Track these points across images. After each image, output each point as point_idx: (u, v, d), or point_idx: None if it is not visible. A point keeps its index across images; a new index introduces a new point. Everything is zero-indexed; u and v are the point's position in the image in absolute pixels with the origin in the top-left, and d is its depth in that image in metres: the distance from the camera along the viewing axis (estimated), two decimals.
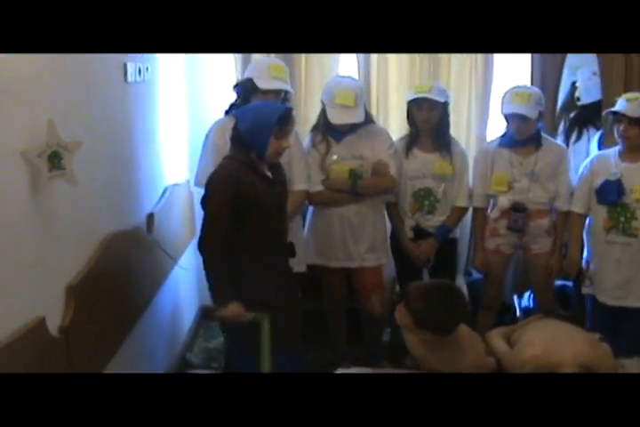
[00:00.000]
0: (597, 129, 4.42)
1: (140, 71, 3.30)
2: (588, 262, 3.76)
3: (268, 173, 2.94)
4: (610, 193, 3.54)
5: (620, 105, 3.46)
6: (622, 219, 3.53)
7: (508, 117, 3.70)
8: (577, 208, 3.73)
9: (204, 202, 2.84)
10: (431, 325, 2.80)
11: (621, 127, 3.47)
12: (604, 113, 3.61)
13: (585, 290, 3.78)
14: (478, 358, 2.96)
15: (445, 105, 3.74)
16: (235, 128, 2.86)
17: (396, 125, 4.43)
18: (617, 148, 3.60)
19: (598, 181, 3.59)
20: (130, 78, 3.19)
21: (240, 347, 3.07)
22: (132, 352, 3.24)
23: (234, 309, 2.81)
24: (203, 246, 2.84)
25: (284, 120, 2.81)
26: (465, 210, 3.95)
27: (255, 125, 2.77)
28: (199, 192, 3.23)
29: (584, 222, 3.74)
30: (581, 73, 4.41)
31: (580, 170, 3.74)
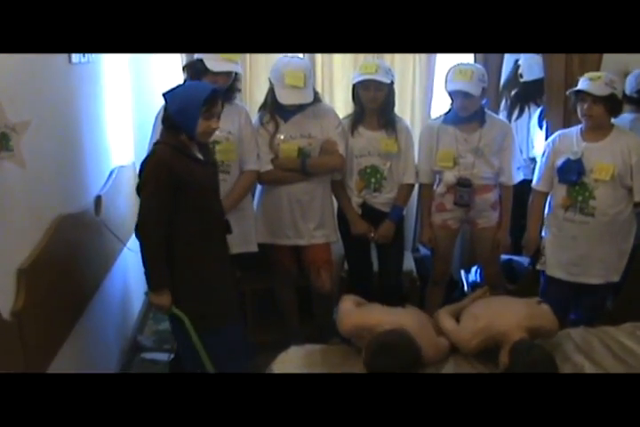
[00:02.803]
0: (538, 106, 4.50)
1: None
2: (544, 239, 3.81)
3: (199, 155, 2.95)
4: (570, 172, 3.57)
5: (583, 84, 3.46)
6: (580, 198, 3.57)
7: (451, 95, 3.72)
8: (541, 186, 3.76)
9: (139, 189, 2.84)
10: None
11: (585, 106, 3.47)
12: (567, 92, 3.60)
13: (540, 266, 3.84)
14: (435, 350, 3.00)
15: (391, 85, 3.74)
16: (165, 110, 2.86)
17: (341, 103, 4.46)
18: (579, 126, 3.62)
19: (560, 160, 3.62)
20: (74, 59, 3.14)
21: (181, 329, 3.09)
22: (84, 335, 3.23)
23: (162, 300, 2.89)
24: (140, 233, 2.85)
25: (212, 101, 2.80)
26: (413, 186, 3.99)
27: (183, 106, 2.77)
28: None
29: (546, 200, 3.78)
30: None
31: (543, 148, 3.78)
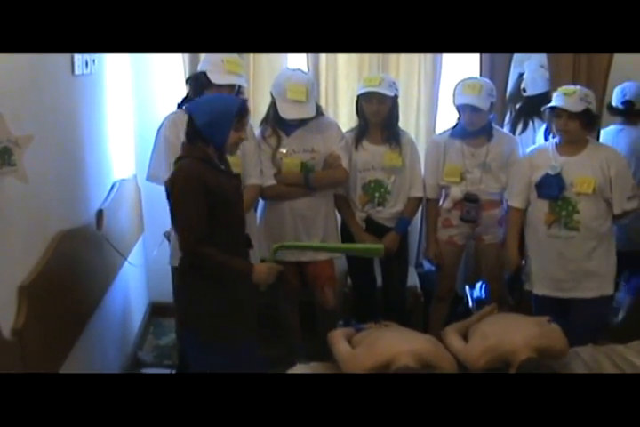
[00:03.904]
0: (543, 120, 4.46)
1: (87, 64, 3.22)
2: (528, 258, 3.73)
3: (223, 167, 2.91)
4: (551, 188, 3.51)
5: (558, 100, 3.44)
6: (564, 213, 3.51)
7: (459, 109, 3.69)
8: (516, 203, 3.68)
9: (175, 208, 2.75)
10: None
11: (561, 122, 3.45)
12: (542, 108, 3.61)
13: (527, 286, 3.77)
14: (452, 366, 2.91)
15: (395, 98, 3.72)
16: (189, 123, 2.79)
17: (345, 117, 4.41)
18: (554, 141, 3.59)
19: (537, 176, 3.57)
20: (77, 71, 3.11)
21: (196, 342, 3.02)
22: (85, 352, 3.18)
23: (263, 273, 2.85)
24: (196, 254, 2.76)
25: (243, 112, 2.80)
26: (421, 199, 3.94)
27: (214, 118, 2.72)
28: (147, 187, 3.11)
29: (523, 217, 3.71)
30: (528, 65, 4.43)
31: (517, 164, 3.72)
